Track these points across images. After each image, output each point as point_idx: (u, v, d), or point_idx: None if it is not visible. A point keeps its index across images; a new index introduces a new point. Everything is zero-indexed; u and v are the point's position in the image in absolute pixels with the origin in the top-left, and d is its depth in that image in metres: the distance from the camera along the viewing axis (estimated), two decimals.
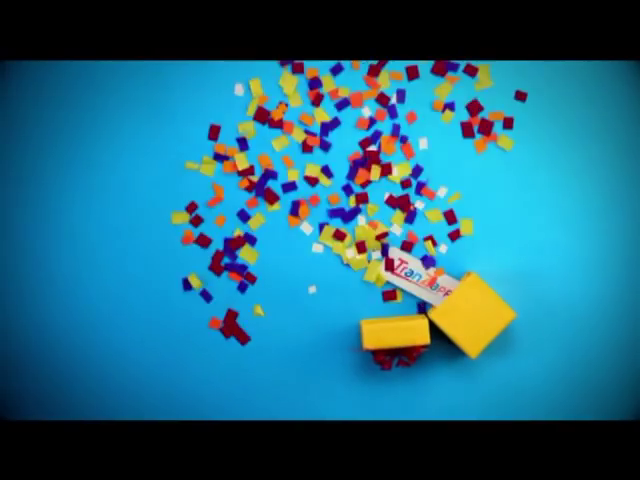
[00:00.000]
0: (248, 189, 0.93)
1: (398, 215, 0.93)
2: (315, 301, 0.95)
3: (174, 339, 0.95)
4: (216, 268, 0.93)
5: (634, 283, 0.95)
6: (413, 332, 0.87)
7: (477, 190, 0.94)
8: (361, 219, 0.93)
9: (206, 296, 0.94)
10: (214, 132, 0.93)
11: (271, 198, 0.93)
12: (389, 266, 0.92)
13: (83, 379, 0.95)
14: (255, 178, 0.93)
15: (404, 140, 0.93)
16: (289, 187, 0.93)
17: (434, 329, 0.92)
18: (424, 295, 0.92)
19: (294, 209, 0.93)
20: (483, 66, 0.93)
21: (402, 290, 0.93)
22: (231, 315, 0.93)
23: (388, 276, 0.92)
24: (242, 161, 0.92)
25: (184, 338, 0.95)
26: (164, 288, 0.95)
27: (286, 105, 0.91)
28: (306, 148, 0.93)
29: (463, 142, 0.94)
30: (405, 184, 0.93)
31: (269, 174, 0.92)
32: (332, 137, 0.94)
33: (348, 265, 0.93)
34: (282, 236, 0.94)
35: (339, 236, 0.92)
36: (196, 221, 0.94)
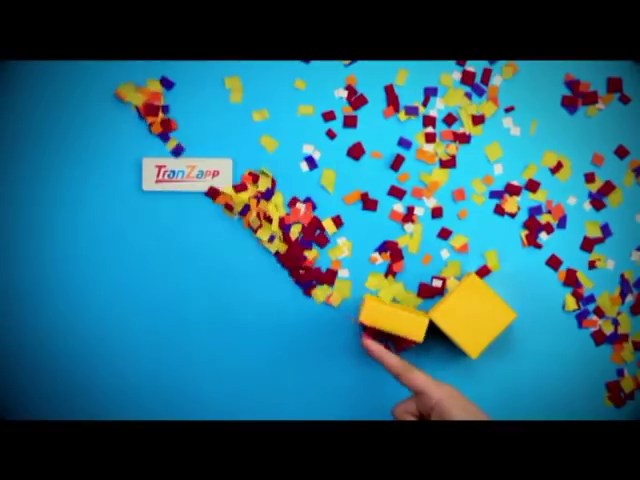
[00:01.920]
0: None
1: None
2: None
3: (174, 337, 0.95)
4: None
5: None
6: (411, 325, 0.87)
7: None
8: None
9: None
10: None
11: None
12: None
13: (83, 379, 0.95)
14: None
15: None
16: None
17: (435, 328, 0.92)
18: None
19: None
20: None
21: None
22: None
23: None
24: None
25: (184, 337, 0.95)
26: (162, 285, 0.95)
27: None
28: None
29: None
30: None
31: None
32: None
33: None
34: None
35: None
36: None
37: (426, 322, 0.87)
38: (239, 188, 0.91)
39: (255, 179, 0.92)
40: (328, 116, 0.94)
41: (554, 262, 0.93)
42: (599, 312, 0.93)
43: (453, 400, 0.75)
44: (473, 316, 0.87)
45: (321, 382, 0.94)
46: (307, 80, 0.94)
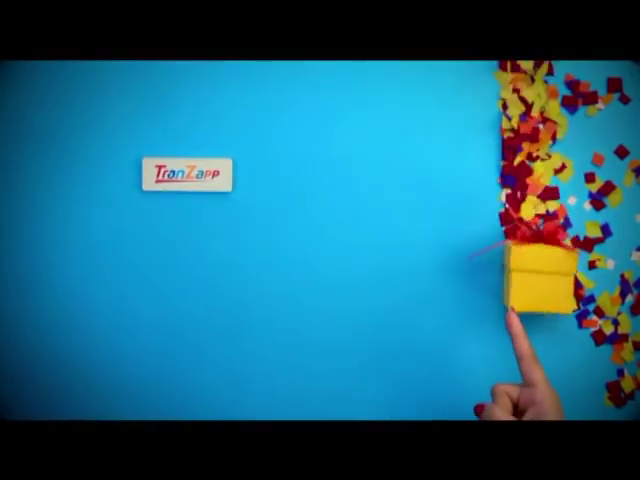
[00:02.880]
0: None
1: None
2: (303, 289, 0.95)
3: (174, 337, 0.95)
4: None
5: None
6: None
7: None
8: None
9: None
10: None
11: None
12: None
13: (83, 379, 0.95)
14: None
15: None
16: None
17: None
18: None
19: None
20: None
21: None
22: None
23: None
24: None
25: (184, 336, 0.95)
26: (162, 284, 0.95)
27: None
28: None
29: None
30: None
31: None
32: None
33: None
34: None
35: None
36: None
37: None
38: None
39: None
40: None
41: None
42: (599, 312, 0.93)
43: (555, 407, 0.77)
44: (544, 281, 0.87)
45: (325, 382, 0.94)
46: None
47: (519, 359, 0.80)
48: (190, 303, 0.95)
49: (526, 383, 0.79)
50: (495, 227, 0.93)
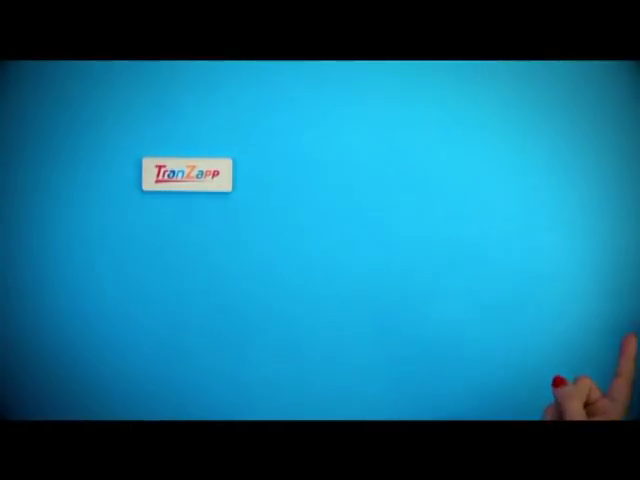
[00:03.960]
0: None
1: None
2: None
3: (174, 337, 0.95)
4: None
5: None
6: None
7: None
8: None
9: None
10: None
11: None
12: None
13: (83, 379, 0.95)
14: None
15: None
16: None
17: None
18: None
19: None
20: None
21: None
22: None
23: None
24: None
25: (184, 336, 0.95)
26: (162, 285, 0.95)
27: None
28: None
29: None
30: None
31: None
32: None
33: None
34: None
35: None
36: None
37: None
38: None
39: None
40: None
41: None
42: None
43: None
44: None
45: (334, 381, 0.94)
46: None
47: (617, 375, 0.81)
48: (190, 302, 0.95)
49: (609, 396, 0.80)
50: None
